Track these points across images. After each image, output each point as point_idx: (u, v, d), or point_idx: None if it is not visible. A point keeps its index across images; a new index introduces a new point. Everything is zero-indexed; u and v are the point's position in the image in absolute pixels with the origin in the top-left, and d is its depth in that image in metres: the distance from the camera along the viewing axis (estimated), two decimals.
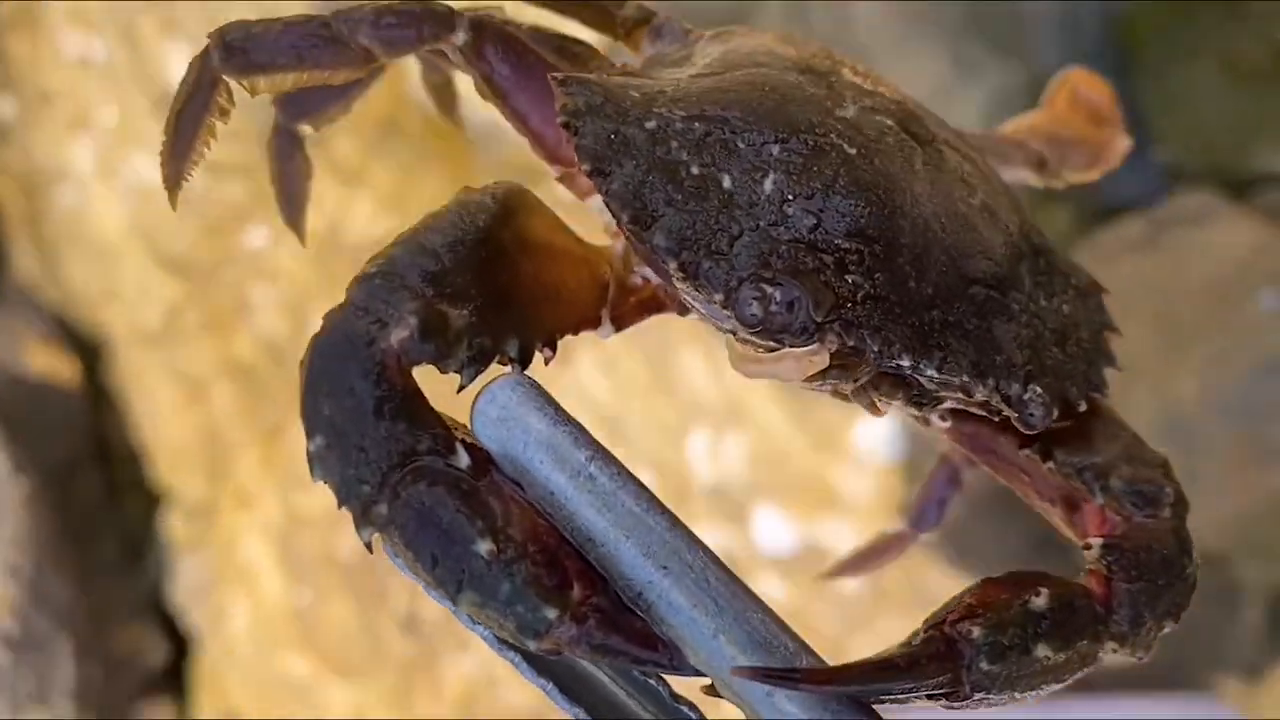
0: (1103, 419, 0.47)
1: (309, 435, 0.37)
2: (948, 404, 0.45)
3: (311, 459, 0.37)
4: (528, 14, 0.54)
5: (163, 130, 0.49)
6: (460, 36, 0.46)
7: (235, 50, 0.46)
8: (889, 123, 0.46)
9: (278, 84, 0.48)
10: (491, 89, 0.47)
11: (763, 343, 0.42)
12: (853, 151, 0.43)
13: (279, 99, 0.52)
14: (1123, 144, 0.62)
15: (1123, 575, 0.42)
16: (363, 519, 0.37)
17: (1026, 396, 0.43)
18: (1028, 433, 0.45)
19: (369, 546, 0.37)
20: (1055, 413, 0.44)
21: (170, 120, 0.49)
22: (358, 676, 1.49)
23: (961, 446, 0.51)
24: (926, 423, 0.48)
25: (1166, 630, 0.43)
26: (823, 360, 0.41)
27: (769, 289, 0.40)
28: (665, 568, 0.37)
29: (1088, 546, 0.44)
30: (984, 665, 0.39)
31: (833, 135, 0.44)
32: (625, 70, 0.50)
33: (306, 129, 0.54)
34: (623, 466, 0.38)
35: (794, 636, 0.38)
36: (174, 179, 0.49)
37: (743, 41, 0.50)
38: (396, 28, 0.46)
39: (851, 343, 0.41)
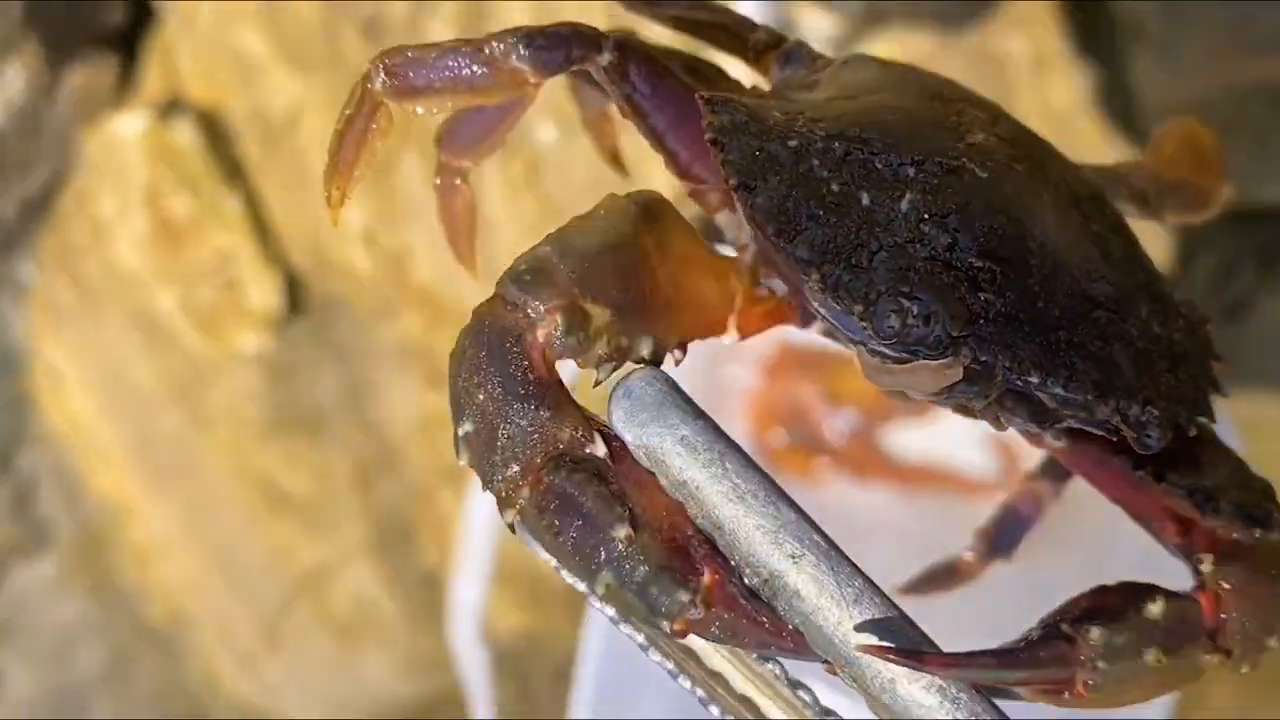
0: (1211, 444, 0.49)
1: (457, 420, 0.40)
2: (1067, 423, 0.46)
3: (458, 442, 0.40)
4: (659, 36, 0.57)
5: (327, 151, 0.52)
6: (606, 57, 0.49)
7: (395, 74, 0.49)
8: (1014, 151, 0.48)
9: (434, 107, 0.50)
10: (633, 108, 0.50)
11: (897, 355, 0.43)
12: (984, 175, 0.45)
13: (440, 138, 0.56)
14: (1224, 192, 0.63)
15: (1231, 592, 0.43)
16: (505, 502, 0.39)
17: (1144, 418, 0.44)
18: (1143, 453, 0.46)
19: (511, 528, 0.39)
20: (1169, 435, 0.45)
21: (334, 142, 0.52)
22: (309, 72, 1.39)
23: (1074, 466, 0.52)
24: (1041, 442, 0.50)
25: (1272, 648, 0.44)
26: (956, 373, 0.42)
27: (907, 303, 0.41)
28: (793, 556, 0.39)
29: (1199, 562, 0.45)
30: (1100, 664, 0.40)
31: (965, 159, 0.45)
32: (759, 93, 0.53)
33: (466, 164, 0.57)
34: (752, 460, 0.40)
35: (916, 627, 0.40)
36: (338, 199, 0.52)
37: (873, 69, 0.53)
38: (546, 49, 0.48)
39: (984, 358, 0.42)
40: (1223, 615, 0.42)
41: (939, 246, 0.43)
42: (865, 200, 0.44)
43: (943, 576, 0.68)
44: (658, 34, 0.60)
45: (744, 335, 0.48)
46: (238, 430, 1.57)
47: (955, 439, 1.18)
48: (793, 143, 0.45)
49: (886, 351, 0.43)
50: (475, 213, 0.58)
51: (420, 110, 0.50)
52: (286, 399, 1.56)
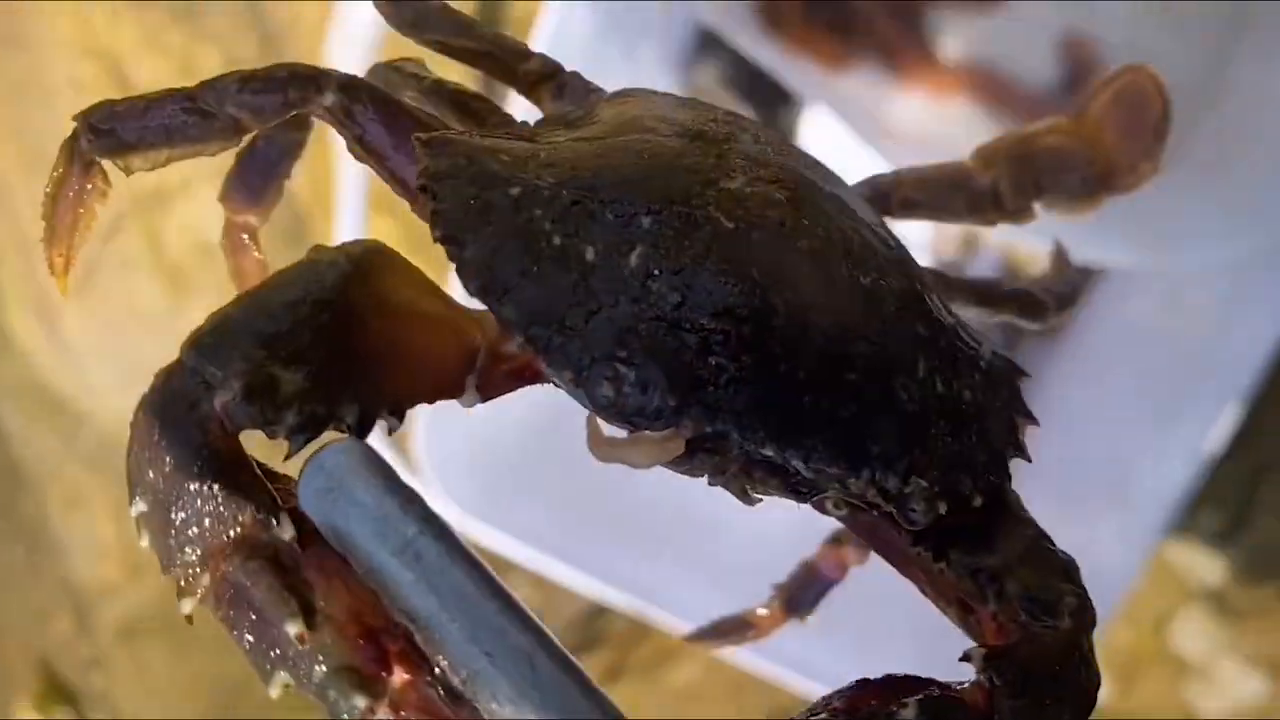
0: (1006, 515, 0.44)
1: (131, 499, 0.36)
2: (830, 495, 0.42)
3: (136, 522, 0.36)
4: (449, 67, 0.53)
5: (41, 218, 0.49)
6: (329, 98, 0.45)
7: (102, 132, 0.46)
8: (779, 195, 0.43)
9: (152, 161, 0.47)
10: (364, 149, 0.46)
11: (618, 425, 0.39)
12: (730, 226, 0.40)
13: (223, 196, 0.52)
14: (1146, 169, 0.54)
15: (1006, 690, 0.38)
16: (184, 591, 0.35)
17: (908, 490, 0.40)
18: (912, 530, 0.42)
19: (189, 619, 0.36)
20: (941, 507, 0.41)
21: (47, 207, 0.48)
22: None
23: (859, 537, 0.48)
24: (823, 509, 0.45)
25: None
26: (677, 447, 0.38)
27: (623, 369, 0.37)
28: (489, 654, 0.34)
29: (967, 658, 0.40)
30: None
31: (710, 207, 0.41)
32: (512, 132, 0.47)
33: (252, 219, 0.54)
34: (456, 541, 0.35)
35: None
36: (60, 265, 0.49)
37: (638, 104, 0.48)
38: (263, 93, 0.45)
39: (709, 429, 0.38)
40: (996, 717, 0.38)
41: (667, 305, 0.38)
42: (590, 255, 0.39)
43: (732, 630, 0.64)
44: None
45: (486, 396, 0.43)
46: None
47: (1019, 39, 1.02)
48: (515, 190, 0.41)
49: (608, 421, 0.39)
50: (267, 270, 0.53)
51: (136, 166, 0.47)
52: None
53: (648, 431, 0.38)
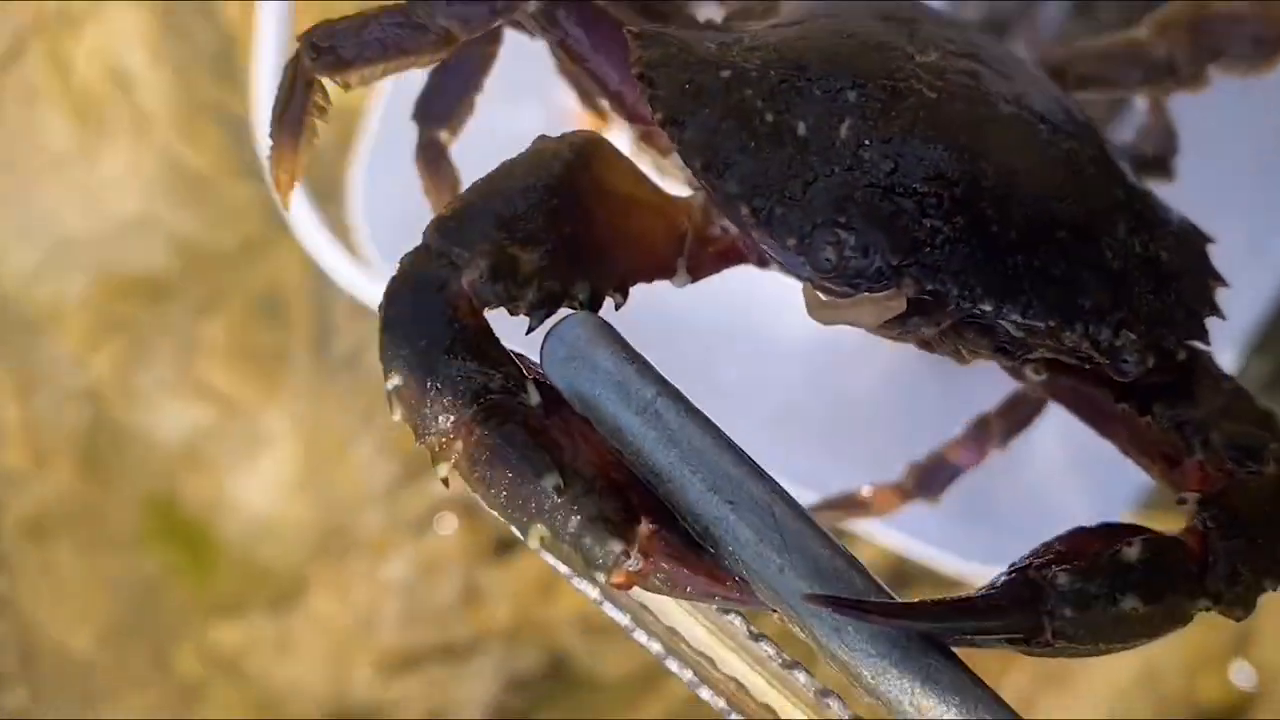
0: (1204, 371, 0.45)
1: (386, 374, 0.38)
2: (1038, 353, 0.43)
3: (389, 397, 0.38)
4: None
5: (269, 136, 0.51)
6: (532, 5, 0.46)
7: (323, 50, 0.47)
8: (975, 67, 0.44)
9: (368, 76, 0.48)
10: (568, 54, 0.48)
11: (839, 289, 0.41)
12: (933, 96, 0.42)
13: (416, 115, 0.55)
14: None
15: (1219, 532, 0.40)
16: (439, 456, 0.38)
17: (1119, 343, 0.41)
18: (1122, 381, 0.43)
19: (445, 482, 0.38)
20: (1150, 360, 0.42)
21: (274, 125, 0.50)
22: None
23: (1055, 398, 0.49)
24: (1020, 375, 0.47)
25: (1267, 590, 0.41)
26: (899, 305, 0.39)
27: (843, 234, 0.39)
28: (731, 502, 0.36)
29: (1183, 501, 0.42)
30: (1068, 612, 0.37)
31: (913, 80, 0.42)
32: (707, 24, 0.49)
33: (445, 135, 0.57)
34: (689, 403, 0.38)
35: (864, 573, 0.37)
36: (286, 182, 0.51)
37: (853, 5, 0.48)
38: (470, 3, 0.46)
39: (929, 287, 0.39)
40: (1211, 558, 0.40)
41: (880, 173, 0.40)
42: (801, 129, 0.41)
43: (857, 505, 0.66)
44: None
45: (696, 277, 0.46)
46: None
47: None
48: (725, 73, 0.43)
49: (829, 285, 0.41)
50: (460, 186, 0.56)
51: (354, 82, 0.49)
52: None
53: (868, 293, 0.39)
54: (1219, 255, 0.47)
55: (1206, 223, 0.48)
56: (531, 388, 0.37)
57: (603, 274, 0.41)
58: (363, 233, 1.04)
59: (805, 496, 1.00)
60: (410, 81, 1.07)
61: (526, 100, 1.38)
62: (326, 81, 0.49)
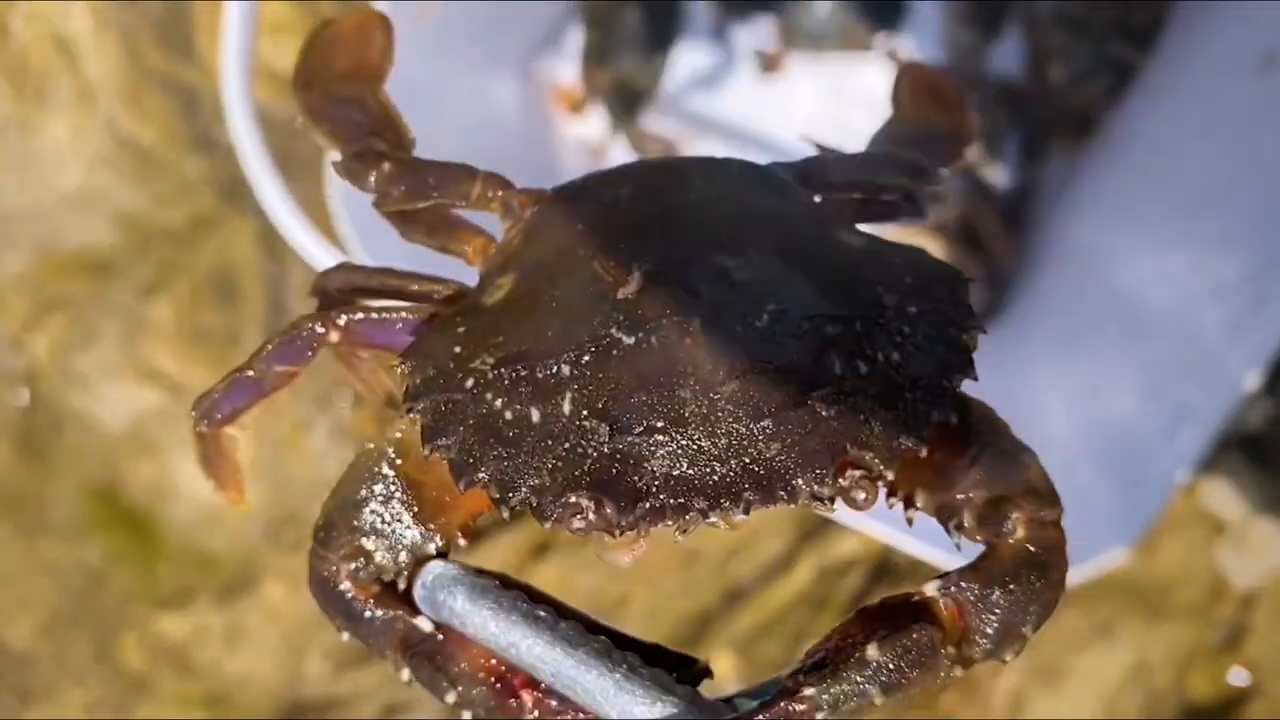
0: (964, 439, 0.49)
1: (338, 630, 0.51)
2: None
3: (346, 639, 0.51)
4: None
5: (207, 479, 0.62)
6: (334, 336, 0.56)
7: (210, 414, 0.58)
8: (672, 277, 0.49)
9: (247, 421, 0.59)
10: (372, 351, 0.58)
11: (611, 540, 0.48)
12: (629, 341, 0.47)
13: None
14: (973, 122, 0.65)
15: (973, 599, 0.46)
16: (395, 668, 0.50)
17: (846, 484, 0.46)
18: (861, 508, 0.47)
19: (409, 683, 0.50)
20: (887, 478, 0.47)
21: (206, 473, 0.61)
22: None
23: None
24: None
25: (1028, 636, 0.46)
26: (642, 547, 0.48)
27: (583, 502, 0.46)
28: (579, 665, 0.47)
29: (944, 576, 0.47)
30: (820, 715, 0.44)
31: (612, 330, 0.48)
32: (465, 305, 0.55)
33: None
34: (527, 603, 0.48)
35: (693, 701, 0.46)
36: (237, 498, 0.62)
37: (569, 212, 0.55)
38: (287, 346, 0.56)
39: (661, 524, 0.45)
40: (966, 623, 0.46)
41: (601, 438, 0.46)
42: (535, 416, 0.48)
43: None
44: None
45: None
46: None
47: None
48: (469, 383, 0.50)
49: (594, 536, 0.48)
50: (375, 370, 0.63)
51: (246, 424, 0.59)
52: None
53: (621, 536, 0.47)
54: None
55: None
56: (423, 620, 0.49)
57: (445, 527, 0.51)
58: (339, 215, 0.98)
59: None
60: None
61: (504, 73, 1.32)
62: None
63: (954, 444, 0.48)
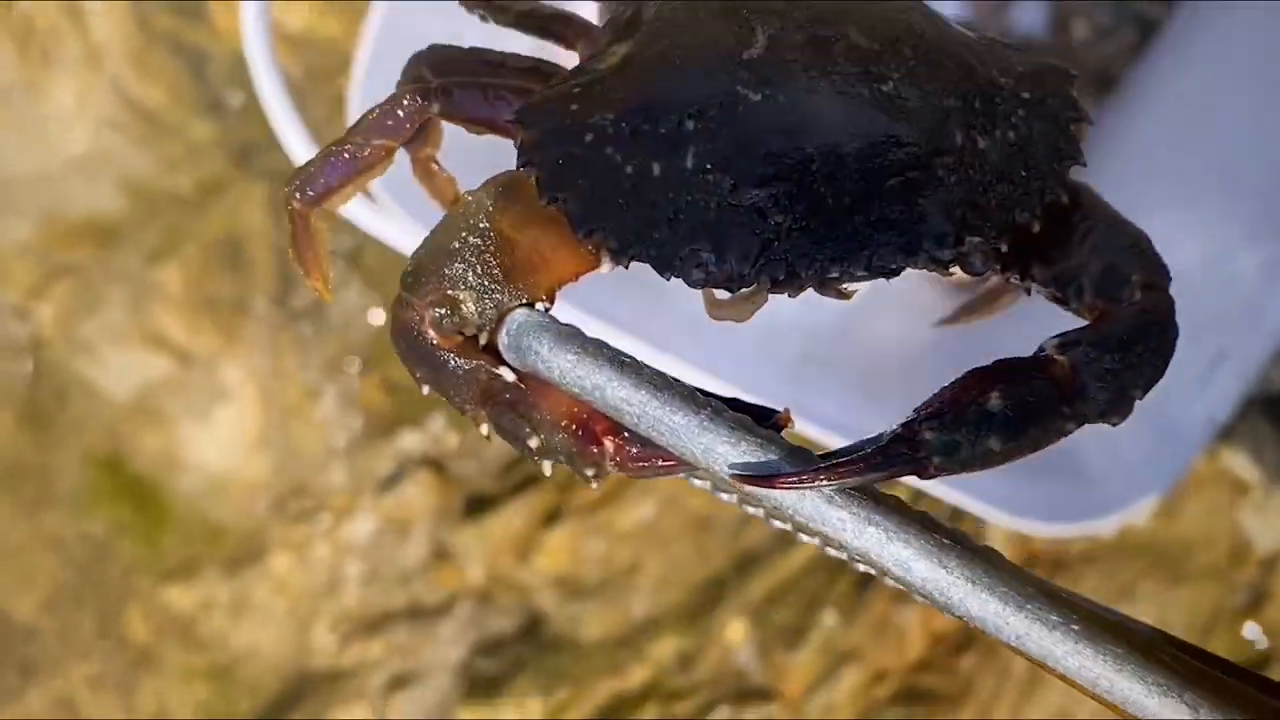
0: (1076, 216, 0.50)
1: (417, 383, 0.50)
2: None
3: (426, 392, 0.50)
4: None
5: (295, 262, 0.60)
6: (435, 106, 0.56)
7: (304, 189, 0.57)
8: (798, 38, 0.49)
9: (344, 198, 0.59)
10: (472, 125, 0.57)
11: (720, 292, 0.49)
12: (756, 98, 0.48)
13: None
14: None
15: (1086, 363, 0.46)
16: (475, 423, 0.49)
17: (964, 250, 0.46)
18: (979, 274, 0.48)
19: (488, 436, 0.49)
20: (1001, 250, 0.48)
21: (295, 256, 0.60)
22: None
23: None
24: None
25: (1136, 397, 0.47)
26: (763, 298, 0.50)
27: (704, 255, 0.46)
28: (661, 408, 0.45)
29: (1060, 336, 0.47)
30: (938, 460, 0.44)
31: (738, 87, 0.48)
32: (578, 74, 0.53)
33: (430, 151, 0.61)
34: (610, 347, 0.47)
35: (782, 444, 0.44)
36: (324, 289, 0.62)
37: (670, 4, 0.54)
38: (382, 120, 0.56)
39: (783, 276, 0.46)
40: (1081, 385, 0.46)
41: (725, 190, 0.47)
42: (656, 170, 0.48)
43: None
44: None
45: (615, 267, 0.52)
46: None
47: None
48: (588, 137, 0.50)
49: (713, 292, 0.51)
50: (455, 186, 0.64)
51: (336, 204, 0.59)
52: None
53: (742, 290, 0.47)
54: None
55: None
56: (505, 370, 0.48)
57: (531, 289, 0.49)
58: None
59: (832, 440, 1.00)
60: (399, 10, 1.01)
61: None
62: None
63: (1065, 222, 0.50)
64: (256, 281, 1.42)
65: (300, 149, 0.95)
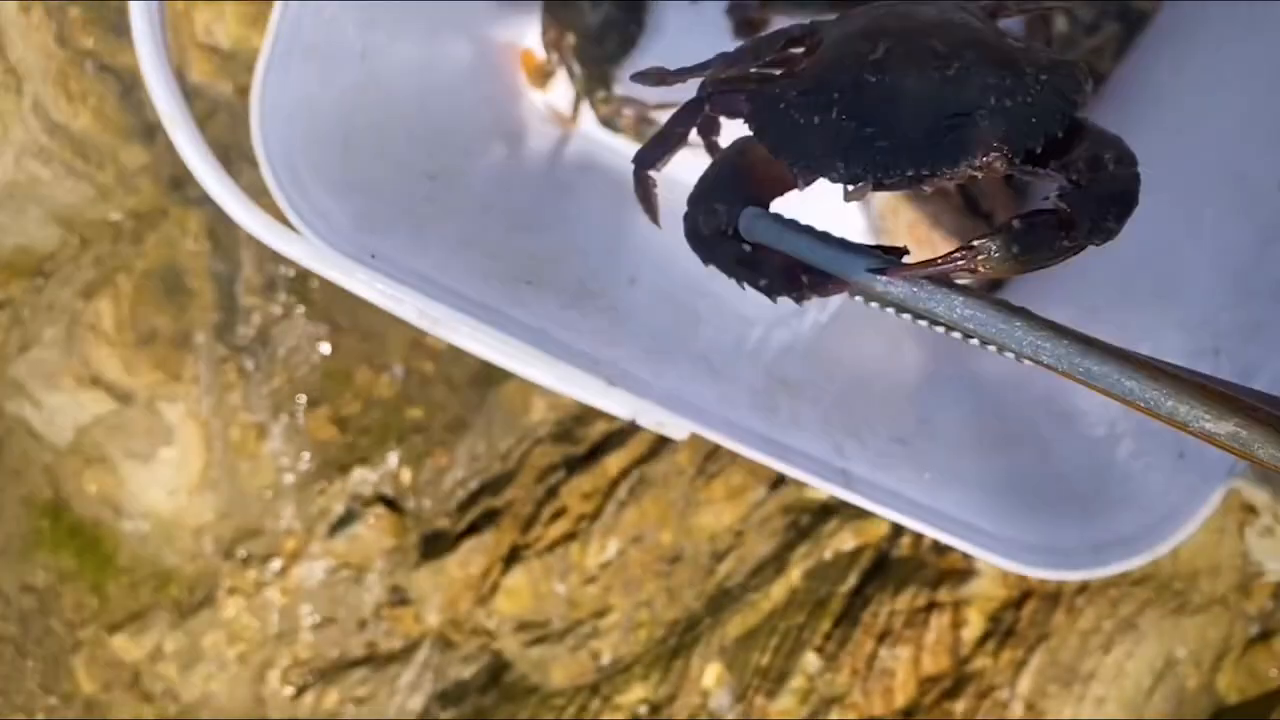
0: (1080, 133, 0.72)
1: (704, 262, 0.72)
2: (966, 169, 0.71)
3: (707, 268, 0.73)
4: None
5: (641, 205, 0.85)
6: (707, 107, 0.80)
7: (641, 161, 0.82)
8: (901, 48, 0.74)
9: (663, 165, 0.82)
10: (728, 114, 0.80)
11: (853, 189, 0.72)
12: (873, 80, 0.73)
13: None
14: None
15: (1080, 204, 0.67)
16: (736, 280, 0.70)
17: (990, 159, 0.70)
18: (1021, 159, 0.71)
19: (743, 286, 0.71)
20: (1016, 162, 0.71)
21: (640, 200, 0.84)
22: None
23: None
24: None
25: (1114, 227, 0.68)
26: (865, 191, 0.72)
27: (840, 167, 0.70)
28: (829, 254, 0.67)
29: (1047, 198, 0.69)
30: (980, 257, 0.66)
31: (864, 74, 0.73)
32: (786, 69, 0.80)
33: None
34: (796, 223, 0.69)
35: (868, 253, 0.67)
36: (656, 219, 0.84)
37: (841, 26, 0.81)
38: (684, 117, 0.83)
39: (886, 177, 0.70)
40: (1075, 219, 0.67)
41: (851, 130, 0.72)
42: (816, 120, 0.74)
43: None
44: None
45: (803, 187, 0.75)
46: None
47: None
48: (782, 105, 0.75)
49: (845, 188, 0.72)
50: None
51: (660, 170, 0.82)
52: None
53: (860, 185, 0.71)
54: None
55: None
56: (745, 246, 0.70)
57: (761, 198, 0.72)
58: (271, 186, 0.89)
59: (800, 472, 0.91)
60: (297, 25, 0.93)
61: (452, 36, 1.22)
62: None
63: (1072, 136, 0.71)
64: (196, 314, 1.34)
65: (197, 161, 0.86)
